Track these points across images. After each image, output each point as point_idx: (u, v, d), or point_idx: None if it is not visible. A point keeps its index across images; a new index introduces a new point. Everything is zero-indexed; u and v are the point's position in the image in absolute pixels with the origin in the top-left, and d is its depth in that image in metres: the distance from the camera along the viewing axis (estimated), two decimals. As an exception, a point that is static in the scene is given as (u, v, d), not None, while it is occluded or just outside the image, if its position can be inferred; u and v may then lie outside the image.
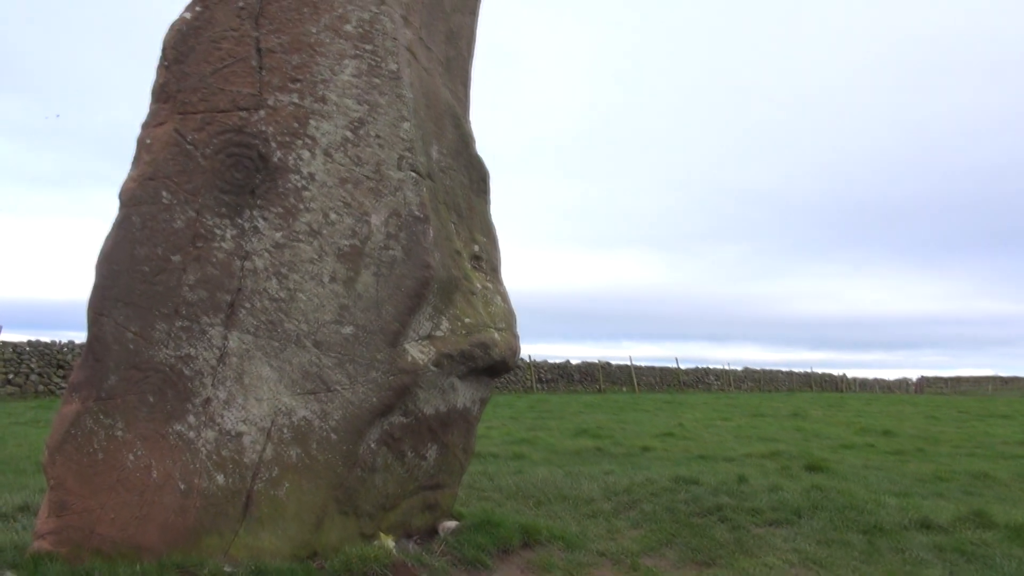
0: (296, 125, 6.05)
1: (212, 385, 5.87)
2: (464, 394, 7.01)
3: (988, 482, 11.16)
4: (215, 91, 5.96)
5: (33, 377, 30.17)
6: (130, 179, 5.94)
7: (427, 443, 6.72)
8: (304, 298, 5.98)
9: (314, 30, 6.14)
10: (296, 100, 6.06)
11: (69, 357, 30.56)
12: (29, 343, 30.42)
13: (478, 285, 7.05)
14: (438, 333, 6.47)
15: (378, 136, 6.18)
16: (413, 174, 6.26)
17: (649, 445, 16.27)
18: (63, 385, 29.63)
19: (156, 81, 6.05)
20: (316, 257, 6.02)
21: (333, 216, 6.07)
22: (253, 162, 5.98)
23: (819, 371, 76.27)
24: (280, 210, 6.01)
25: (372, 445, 6.18)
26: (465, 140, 7.38)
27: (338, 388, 6.00)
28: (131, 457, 5.76)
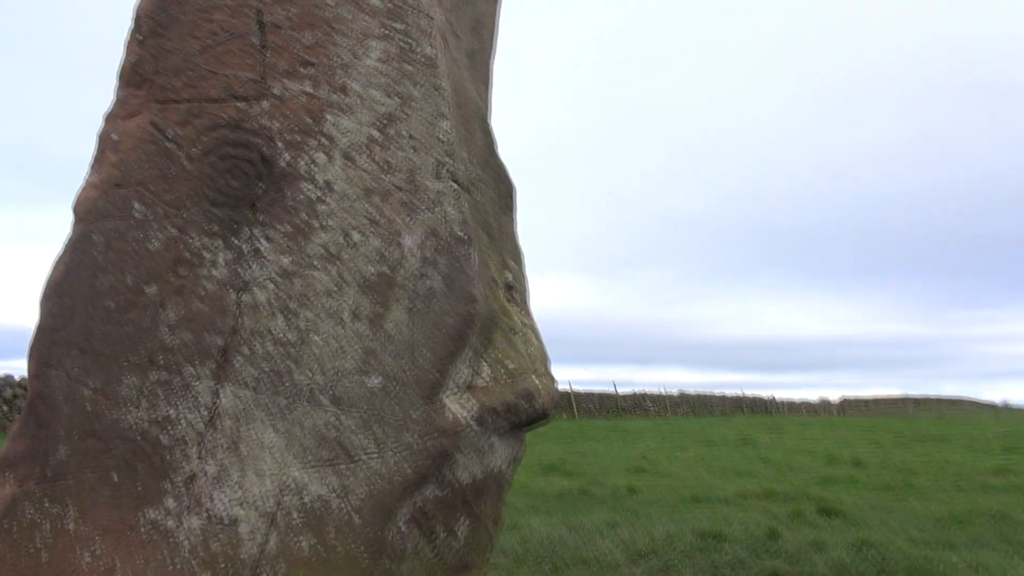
0: (309, 120, 4.75)
1: (198, 457, 4.46)
2: (500, 454, 5.75)
3: (1013, 525, 10.51)
4: (205, 74, 4.61)
5: (-40, 416, 27.17)
6: (90, 186, 4.52)
7: (459, 517, 5.43)
8: (319, 341, 4.66)
9: (331, 2, 4.87)
10: (309, 89, 4.76)
11: (8, 393, 27.45)
12: (-76, 376, 27.38)
13: (517, 321, 5.84)
14: (479, 382, 5.22)
15: (411, 136, 4.94)
16: (454, 184, 5.03)
17: (632, 485, 15.21)
18: (-3, 424, 26.59)
19: (125, 60, 4.66)
20: (334, 288, 4.71)
21: (356, 236, 4.78)
22: (254, 166, 4.65)
23: (749, 394, 77.34)
24: (289, 228, 4.69)
25: (402, 527, 4.86)
26: (492, 148, 6.20)
27: (363, 457, 4.67)
28: (87, 557, 4.28)
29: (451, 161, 5.03)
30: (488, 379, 5.29)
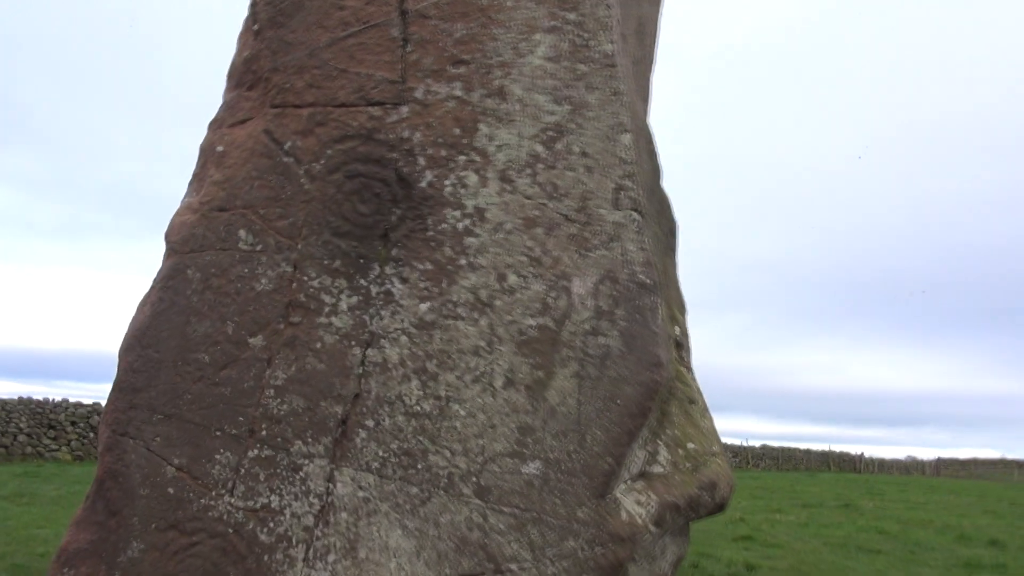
0: (458, 132, 3.71)
1: (304, 560, 3.37)
2: (669, 556, 4.48)
3: None
4: (333, 73, 3.63)
5: (21, 438, 27.34)
6: (187, 209, 3.56)
7: (621, 640, 4.16)
8: (463, 413, 3.54)
9: (489, -14, 3.85)
10: (459, 93, 3.73)
11: (62, 417, 27.63)
12: (19, 399, 27.68)
13: (694, 388, 4.61)
14: (656, 468, 3.99)
15: (584, 153, 3.84)
16: (635, 215, 3.89)
17: (748, 561, 13.48)
18: (54, 448, 26.79)
19: (237, 55, 3.74)
20: (484, 345, 3.60)
21: (513, 279, 3.67)
22: (388, 188, 3.62)
23: (837, 449, 73.13)
24: (429, 267, 3.62)
25: (560, 662, 3.63)
26: (657, 175, 5.05)
27: (513, 569, 3.50)
28: None
29: (632, 186, 3.89)
30: (666, 465, 4.06)
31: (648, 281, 3.81)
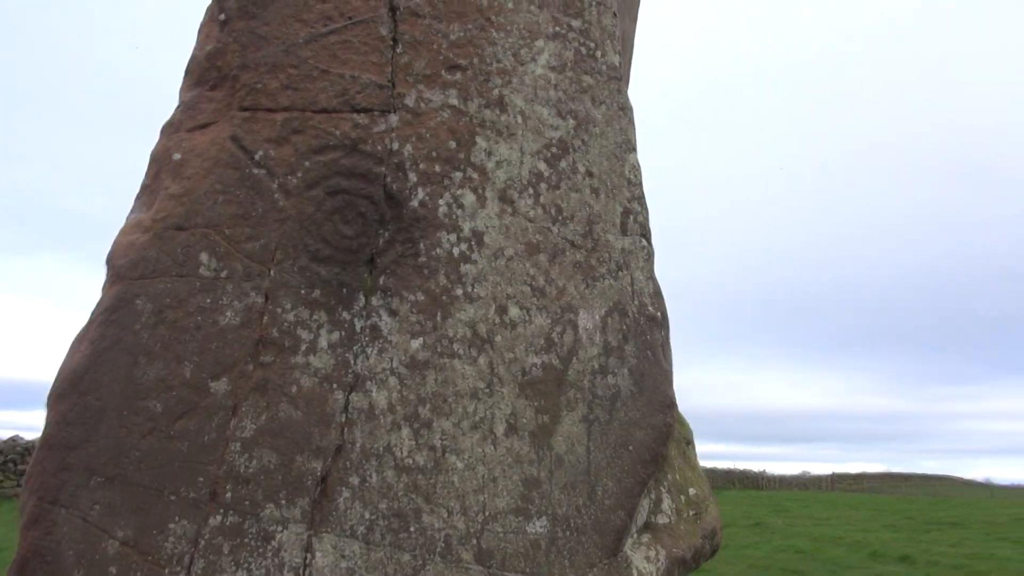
0: (453, 145, 3.27)
1: (277, 645, 2.83)
2: (663, 610, 4.12)
3: None
4: (312, 73, 3.14)
5: None
6: (135, 227, 2.98)
7: None
8: (461, 466, 3.08)
9: (487, -15, 3.45)
10: (455, 102, 3.30)
11: (11, 457, 24.64)
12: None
13: (687, 426, 4.29)
14: (660, 518, 3.64)
15: (589, 173, 3.47)
16: (644, 241, 3.55)
17: None
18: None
19: (198, 49, 3.19)
20: (484, 387, 3.16)
21: (514, 312, 3.25)
22: (375, 206, 3.15)
23: (740, 466, 75.30)
24: (422, 298, 3.16)
25: None
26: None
27: (519, 642, 3.06)
28: None
29: (640, 209, 3.55)
30: (671, 513, 3.71)
31: (658, 314, 3.46)
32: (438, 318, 3.17)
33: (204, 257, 2.95)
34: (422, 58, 3.29)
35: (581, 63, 3.52)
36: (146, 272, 2.89)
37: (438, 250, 3.20)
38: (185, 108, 3.10)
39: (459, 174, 3.27)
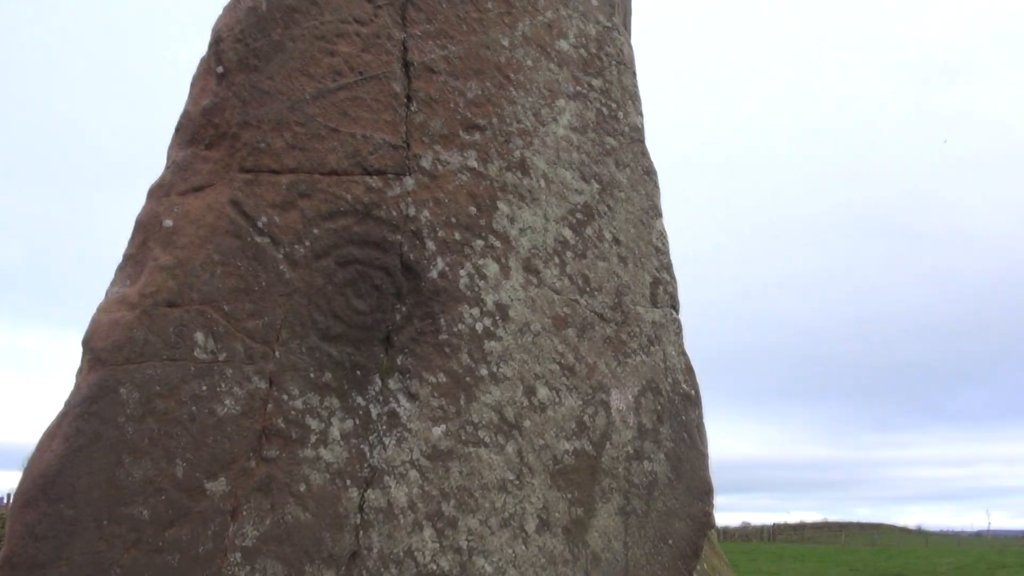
0: (474, 211, 3.00)
1: None
2: None
3: None
4: (321, 132, 2.84)
5: None
6: (119, 303, 2.59)
7: None
8: (490, 570, 2.73)
9: (505, 42, 3.23)
10: (474, 164, 3.04)
11: None
12: None
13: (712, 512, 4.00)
14: (694, 616, 3.31)
15: (616, 240, 3.23)
16: (674, 313, 3.31)
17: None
18: None
19: (191, 104, 2.86)
20: (512, 479, 2.83)
21: (543, 393, 2.95)
22: (391, 278, 2.83)
23: (686, 517, 75.05)
24: (443, 379, 2.83)
25: None
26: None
27: None
28: None
29: (670, 279, 3.32)
30: (703, 610, 3.39)
31: (692, 392, 3.20)
32: (462, 402, 2.84)
33: (200, 337, 2.57)
34: (438, 117, 3.03)
35: (603, 124, 3.31)
36: (132, 356, 2.50)
37: (460, 326, 2.89)
38: (177, 169, 2.75)
39: (480, 242, 2.99)
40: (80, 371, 2.57)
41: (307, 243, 2.76)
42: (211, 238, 2.66)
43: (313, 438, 2.63)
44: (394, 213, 2.88)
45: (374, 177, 2.88)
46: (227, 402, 2.56)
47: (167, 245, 2.64)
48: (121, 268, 2.71)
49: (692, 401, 3.21)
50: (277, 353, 2.65)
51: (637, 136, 3.38)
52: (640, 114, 3.43)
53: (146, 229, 2.69)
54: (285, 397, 2.64)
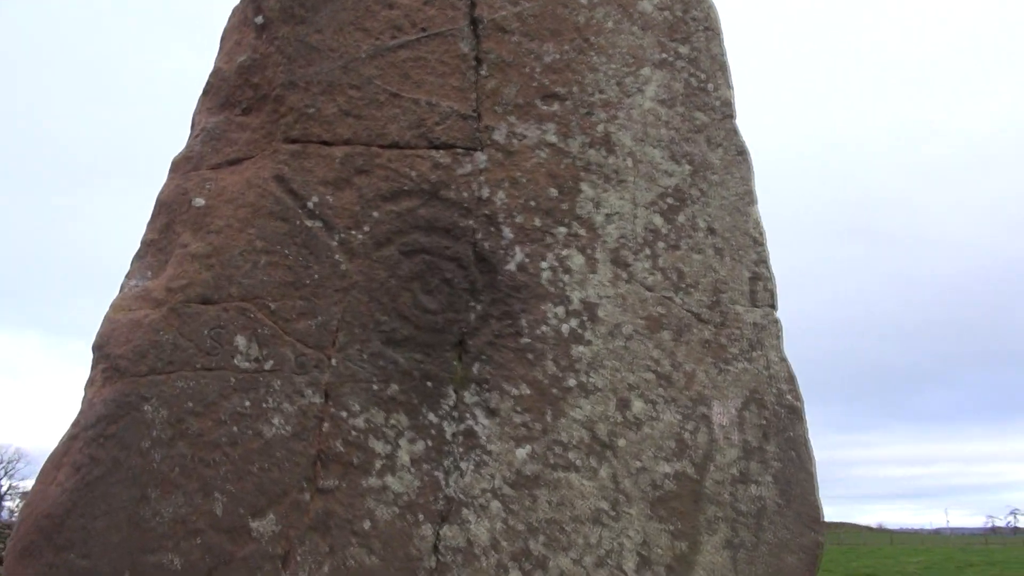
0: (555, 193, 2.54)
1: None
2: None
3: None
4: (379, 97, 2.36)
5: None
6: (140, 298, 2.09)
7: None
8: (586, 619, 2.25)
9: (584, 0, 2.77)
10: (553, 139, 2.57)
11: None
12: None
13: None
14: (795, 660, 2.86)
15: (711, 230, 2.78)
16: (774, 313, 2.87)
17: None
18: None
19: (224, 61, 2.37)
20: (607, 509, 2.37)
21: (638, 406, 2.49)
22: (464, 272, 2.36)
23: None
24: (527, 391, 2.36)
25: None
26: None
27: None
28: None
29: (769, 275, 2.88)
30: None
31: (797, 403, 2.76)
32: (548, 418, 2.37)
33: (241, 342, 2.08)
34: (512, 83, 2.57)
35: (692, 97, 2.86)
36: (159, 365, 2.00)
37: (544, 327, 2.42)
38: (208, 138, 2.26)
39: (563, 229, 2.52)
40: (91, 383, 2.06)
41: (366, 228, 2.27)
42: (253, 221, 2.17)
43: (378, 464, 2.15)
44: (465, 194, 2.40)
45: (441, 152, 2.41)
46: (275, 421, 2.07)
47: (199, 229, 2.14)
48: (140, 256, 2.20)
49: (797, 414, 2.78)
50: (333, 361, 2.17)
51: (728, 111, 2.94)
52: (731, 87, 2.99)
53: (171, 210, 2.19)
54: (344, 414, 2.15)
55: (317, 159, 2.27)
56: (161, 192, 2.23)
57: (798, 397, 2.80)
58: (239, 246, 2.14)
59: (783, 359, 2.81)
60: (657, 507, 2.45)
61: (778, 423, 2.70)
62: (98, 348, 2.04)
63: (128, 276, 2.19)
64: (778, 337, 2.82)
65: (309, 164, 2.25)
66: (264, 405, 2.06)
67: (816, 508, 2.74)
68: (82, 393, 2.11)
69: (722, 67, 2.95)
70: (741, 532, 2.55)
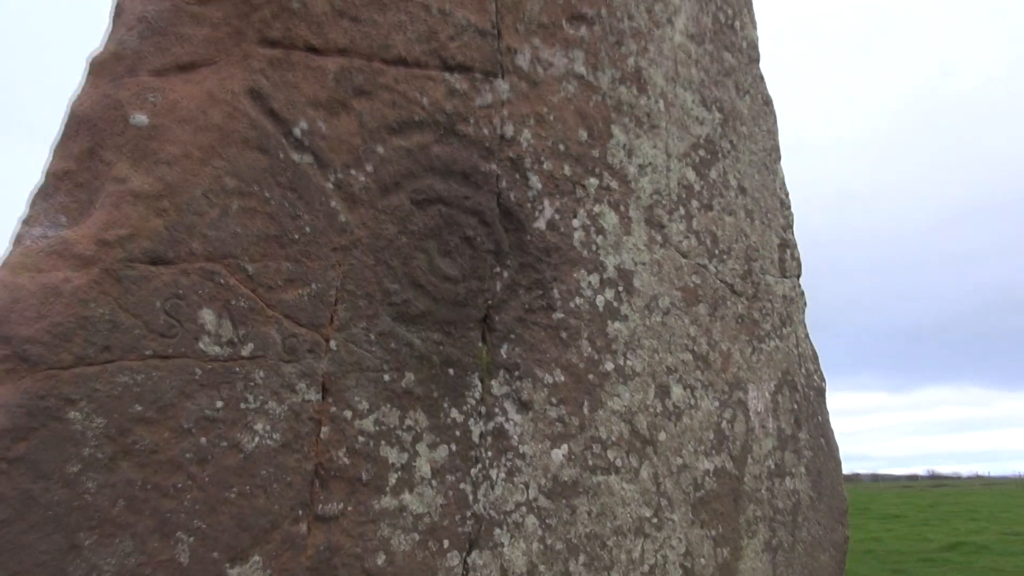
0: (584, 137, 2.04)
1: None
2: None
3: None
4: (385, 1, 1.76)
5: None
6: (54, 253, 1.40)
7: None
8: (632, 650, 1.84)
9: (609, -95, 2.26)
10: (582, 70, 2.07)
11: None
12: None
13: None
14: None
15: (741, 188, 2.40)
16: (799, 284, 2.54)
17: None
18: None
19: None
20: (650, 516, 1.96)
21: (677, 393, 2.09)
22: (487, 228, 1.83)
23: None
24: (562, 378, 1.88)
25: None
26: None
27: None
28: None
29: (794, 241, 2.55)
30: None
31: (823, 384, 2.47)
32: (585, 410, 1.91)
33: (209, 318, 1.46)
34: (535, 1, 2.03)
35: (721, 35, 2.44)
36: (90, 352, 1.35)
37: (577, 300, 1.94)
38: (147, 31, 1.57)
39: (594, 180, 2.04)
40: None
41: (369, 168, 1.69)
42: (219, 150, 1.53)
43: (393, 478, 1.61)
44: (486, 131, 1.86)
45: (457, 75, 1.84)
46: (258, 427, 1.47)
47: (142, 158, 1.48)
48: (46, 195, 1.51)
49: (823, 395, 2.48)
50: (333, 343, 1.59)
51: (754, 55, 2.55)
52: (755, 27, 2.60)
53: (96, 128, 1.51)
54: (349, 414, 1.58)
55: (304, 71, 1.64)
56: (77, 102, 1.54)
57: (823, 377, 2.51)
58: (201, 184, 1.49)
59: (807, 336, 2.50)
60: (699, 510, 2.06)
61: (808, 407, 2.39)
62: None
63: (27, 222, 1.49)
64: (803, 311, 2.50)
65: (294, 78, 1.63)
66: (243, 406, 1.46)
67: (843, 499, 2.47)
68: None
69: (747, 4, 2.54)
70: (779, 532, 2.22)
